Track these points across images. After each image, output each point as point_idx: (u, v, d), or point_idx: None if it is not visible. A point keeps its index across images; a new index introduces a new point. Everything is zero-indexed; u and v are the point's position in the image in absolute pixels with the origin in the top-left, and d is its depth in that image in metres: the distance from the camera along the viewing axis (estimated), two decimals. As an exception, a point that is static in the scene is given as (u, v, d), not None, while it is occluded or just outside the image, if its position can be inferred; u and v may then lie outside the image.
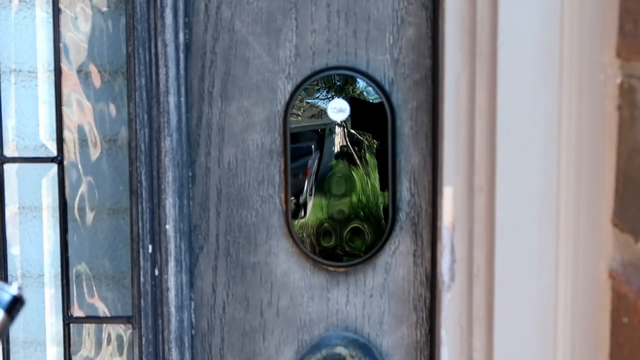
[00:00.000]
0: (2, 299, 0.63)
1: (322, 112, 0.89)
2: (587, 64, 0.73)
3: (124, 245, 1.05)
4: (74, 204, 1.05)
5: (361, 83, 0.88)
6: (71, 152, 1.04)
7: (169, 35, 0.88)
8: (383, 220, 0.89)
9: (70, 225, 1.01)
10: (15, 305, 0.64)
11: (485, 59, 0.76)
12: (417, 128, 0.89)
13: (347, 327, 0.93)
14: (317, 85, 0.88)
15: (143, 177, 0.90)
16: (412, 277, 0.91)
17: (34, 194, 1.07)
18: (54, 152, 0.99)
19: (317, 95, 0.89)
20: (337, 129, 0.89)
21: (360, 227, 0.90)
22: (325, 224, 0.90)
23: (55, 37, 0.96)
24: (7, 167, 1.03)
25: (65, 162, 0.99)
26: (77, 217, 1.06)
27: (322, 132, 0.89)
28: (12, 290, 0.63)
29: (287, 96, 0.90)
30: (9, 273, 1.02)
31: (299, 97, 0.89)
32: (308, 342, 0.93)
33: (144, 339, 0.91)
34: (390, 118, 0.88)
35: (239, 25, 0.90)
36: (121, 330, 1.05)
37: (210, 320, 0.93)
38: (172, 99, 0.89)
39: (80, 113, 1.04)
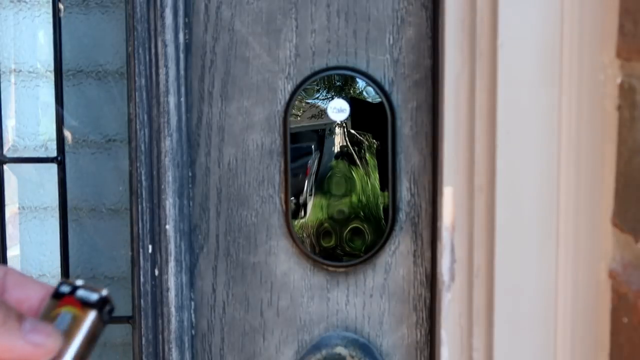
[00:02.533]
0: (92, 299, 0.63)
1: (322, 112, 0.89)
2: (587, 64, 0.73)
3: (124, 245, 1.05)
4: (74, 204, 1.05)
5: (361, 83, 0.88)
6: (71, 152, 1.04)
7: (169, 36, 0.88)
8: (383, 220, 0.89)
9: (70, 225, 1.01)
10: (105, 305, 0.64)
11: (485, 59, 0.76)
12: (417, 128, 0.89)
13: (347, 327, 0.93)
14: (317, 85, 0.88)
15: (143, 177, 0.90)
16: (412, 277, 0.91)
17: (34, 194, 1.07)
18: (54, 152, 0.99)
19: (317, 96, 0.89)
20: (337, 129, 0.89)
21: (360, 227, 0.90)
22: (325, 224, 0.90)
23: (55, 37, 0.96)
24: (7, 167, 1.03)
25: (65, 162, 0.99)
26: (77, 217, 1.06)
27: (322, 132, 0.89)
28: (102, 292, 0.64)
29: (287, 96, 0.90)
30: (9, 273, 1.02)
31: (299, 97, 0.89)
32: (308, 342, 0.93)
33: (144, 339, 0.91)
34: (390, 118, 0.88)
35: (239, 25, 0.90)
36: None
37: (210, 321, 0.93)
38: (172, 99, 0.89)
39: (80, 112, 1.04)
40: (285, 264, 0.92)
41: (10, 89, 1.05)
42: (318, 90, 0.88)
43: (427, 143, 0.89)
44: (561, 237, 0.76)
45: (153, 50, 0.88)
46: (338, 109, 0.88)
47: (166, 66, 0.89)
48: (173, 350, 0.91)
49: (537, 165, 0.76)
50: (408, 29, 0.89)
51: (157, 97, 0.89)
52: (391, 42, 0.89)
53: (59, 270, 1.00)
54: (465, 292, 0.81)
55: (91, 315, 0.63)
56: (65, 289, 0.63)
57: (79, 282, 0.64)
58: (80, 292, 0.63)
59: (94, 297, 0.63)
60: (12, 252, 1.07)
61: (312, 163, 0.90)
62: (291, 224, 0.91)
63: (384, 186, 0.89)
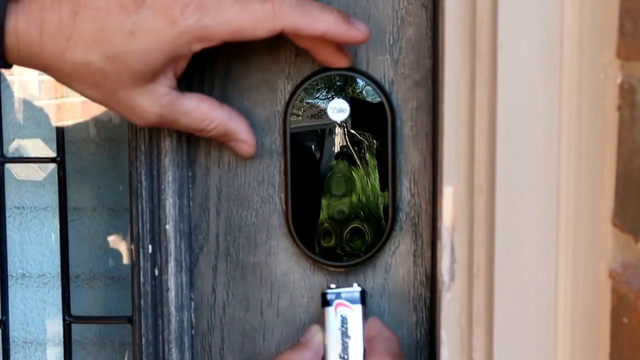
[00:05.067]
0: (355, 297, 0.82)
1: (322, 112, 0.89)
2: (587, 64, 0.73)
3: (124, 245, 1.05)
4: (74, 204, 1.05)
5: (361, 83, 0.88)
6: (71, 152, 1.04)
7: (169, 35, 0.88)
8: (383, 220, 0.89)
9: (70, 225, 1.01)
10: (365, 297, 0.84)
11: (485, 59, 0.76)
12: (417, 128, 0.89)
13: (347, 327, 0.92)
14: (317, 85, 0.88)
15: (143, 177, 0.90)
16: (412, 277, 0.91)
17: (34, 194, 1.07)
18: (54, 152, 0.99)
19: (317, 95, 0.88)
20: (337, 129, 0.89)
21: (361, 227, 0.90)
22: (325, 224, 0.90)
23: (55, 37, 0.96)
24: (7, 167, 1.03)
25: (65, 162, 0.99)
26: (77, 216, 1.06)
27: (322, 132, 0.89)
28: (358, 288, 0.83)
29: (287, 96, 0.90)
30: (9, 273, 1.02)
31: (299, 97, 0.88)
32: (308, 342, 0.93)
33: (143, 339, 0.91)
34: (390, 118, 0.88)
35: (239, 25, 0.90)
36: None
37: (210, 320, 0.93)
38: (172, 99, 0.89)
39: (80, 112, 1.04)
40: (285, 264, 0.92)
41: (10, 89, 1.05)
42: (318, 90, 0.88)
43: (427, 143, 0.89)
44: (561, 237, 0.76)
45: (153, 50, 0.88)
46: (338, 109, 0.88)
47: (166, 66, 0.88)
48: (173, 350, 0.91)
49: (537, 165, 0.76)
50: (408, 29, 0.89)
51: (157, 97, 0.89)
52: (391, 42, 0.89)
53: (59, 270, 1.00)
54: (465, 292, 0.81)
55: (360, 310, 0.83)
56: (332, 296, 0.82)
57: (334, 287, 0.84)
58: (345, 294, 0.83)
59: (356, 294, 0.83)
60: (12, 252, 1.07)
61: (312, 163, 0.90)
62: (291, 224, 0.90)
63: (384, 186, 0.89)
